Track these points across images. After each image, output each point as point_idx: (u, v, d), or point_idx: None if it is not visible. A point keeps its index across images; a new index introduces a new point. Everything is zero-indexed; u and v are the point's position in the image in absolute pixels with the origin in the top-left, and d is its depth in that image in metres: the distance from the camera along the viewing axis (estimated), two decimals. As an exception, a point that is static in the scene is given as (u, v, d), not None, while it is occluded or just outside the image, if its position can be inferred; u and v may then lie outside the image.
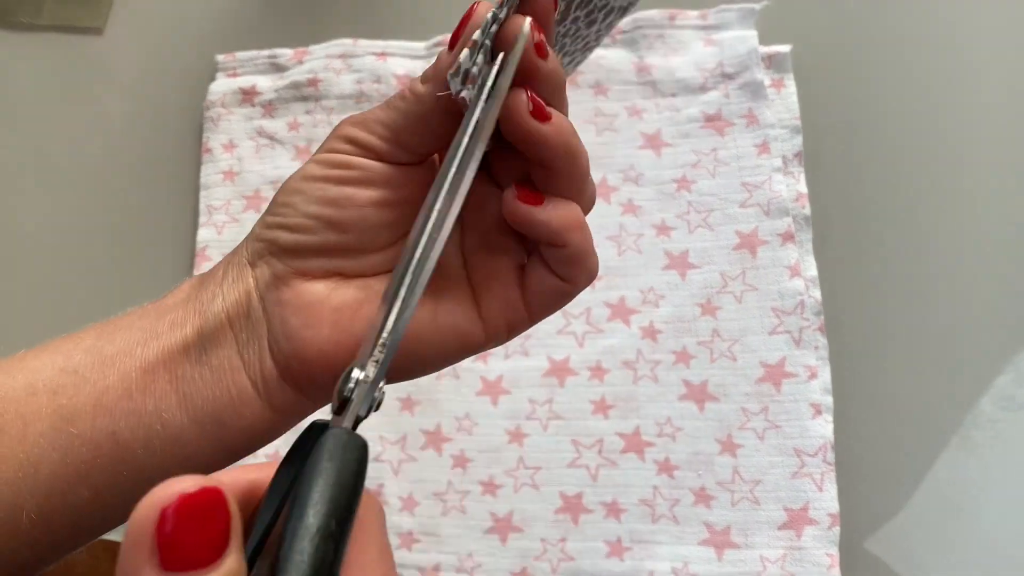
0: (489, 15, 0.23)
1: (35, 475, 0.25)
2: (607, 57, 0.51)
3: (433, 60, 0.25)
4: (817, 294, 0.45)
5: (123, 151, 0.56)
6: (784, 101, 0.49)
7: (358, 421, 0.22)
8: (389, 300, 0.22)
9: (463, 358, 0.27)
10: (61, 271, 0.54)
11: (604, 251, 0.48)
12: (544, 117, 0.24)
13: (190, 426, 0.25)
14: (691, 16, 0.51)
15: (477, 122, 0.23)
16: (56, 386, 0.25)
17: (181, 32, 0.58)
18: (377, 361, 0.22)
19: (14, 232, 0.56)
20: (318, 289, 0.26)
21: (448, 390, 0.47)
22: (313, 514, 0.19)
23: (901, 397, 0.44)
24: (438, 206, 0.23)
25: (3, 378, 0.26)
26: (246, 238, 0.27)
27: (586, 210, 0.26)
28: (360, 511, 0.21)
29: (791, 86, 0.49)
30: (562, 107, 0.25)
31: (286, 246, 0.25)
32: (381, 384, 0.22)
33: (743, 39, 0.49)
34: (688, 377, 0.45)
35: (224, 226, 0.52)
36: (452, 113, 0.24)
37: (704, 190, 0.48)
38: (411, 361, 0.26)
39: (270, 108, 0.54)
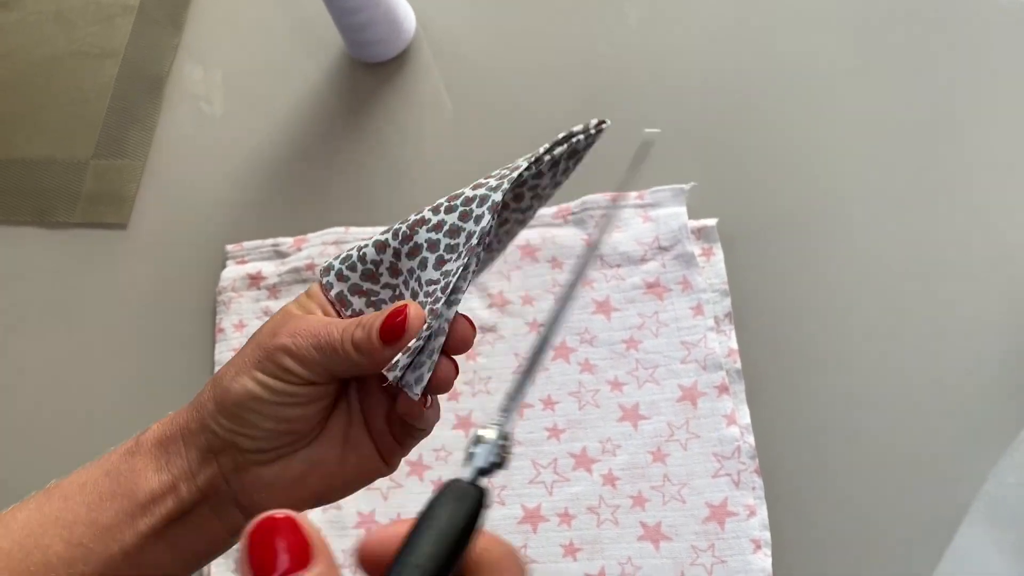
0: (424, 328, 0.32)
1: None
2: (560, 235, 0.59)
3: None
4: (751, 439, 0.52)
5: (145, 332, 0.64)
6: (713, 268, 0.57)
7: (481, 472, 0.26)
8: (520, 377, 0.29)
9: (364, 485, 0.36)
10: (83, 445, 0.61)
11: (567, 406, 0.55)
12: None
13: (178, 565, 0.34)
14: (630, 196, 0.59)
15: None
16: (69, 559, 0.32)
17: (194, 226, 0.67)
18: (498, 424, 0.27)
19: (40, 407, 0.63)
20: (273, 471, 0.33)
21: (435, 540, 0.53)
22: (413, 550, 0.23)
23: (832, 530, 0.50)
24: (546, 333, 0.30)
25: (20, 554, 0.31)
26: (197, 419, 0.33)
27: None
28: (497, 561, 0.24)
29: (719, 254, 0.57)
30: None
31: (247, 448, 0.33)
32: (500, 442, 0.26)
33: (675, 215, 0.58)
34: (644, 519, 0.51)
35: (235, 398, 0.59)
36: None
37: (649, 349, 0.55)
38: (328, 492, 0.35)
39: (274, 290, 0.62)
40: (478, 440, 0.26)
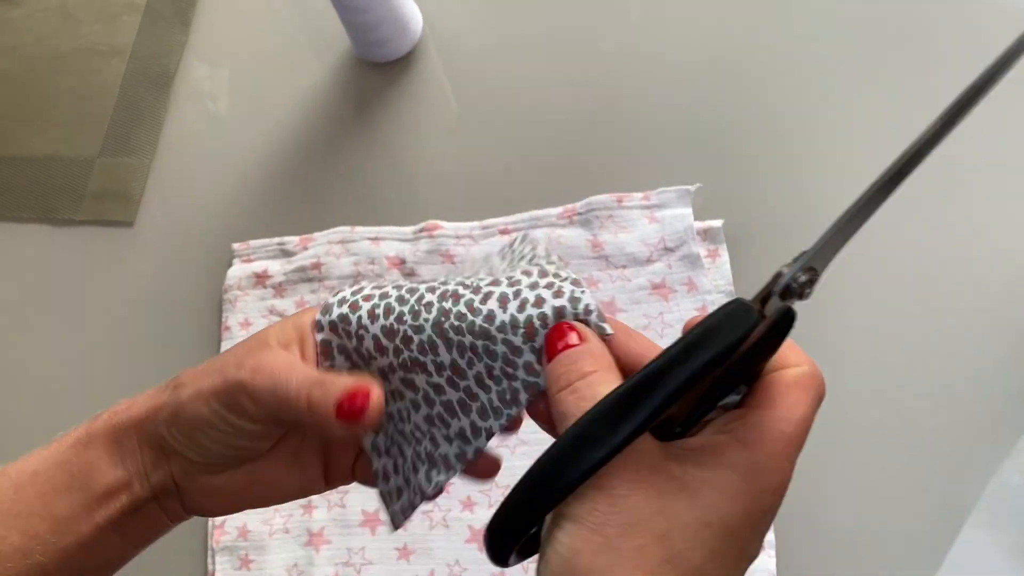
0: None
1: None
2: (566, 236, 0.59)
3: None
4: (756, 440, 0.52)
5: (151, 330, 0.64)
6: (719, 269, 0.57)
7: (766, 299, 0.26)
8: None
9: (302, 497, 0.37)
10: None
11: (572, 406, 0.55)
12: None
13: (130, 549, 0.35)
14: (636, 197, 0.59)
15: None
16: (26, 550, 0.32)
17: (201, 224, 0.67)
18: (801, 257, 0.27)
19: (44, 404, 0.63)
20: (219, 480, 0.34)
21: (439, 539, 0.53)
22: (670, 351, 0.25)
23: (836, 531, 0.50)
24: None
25: None
26: (151, 422, 0.33)
27: None
28: (792, 382, 0.27)
29: (724, 255, 0.57)
30: None
31: (194, 460, 0.33)
32: (798, 272, 0.26)
33: (681, 217, 0.58)
34: (649, 519, 0.51)
35: (241, 396, 0.59)
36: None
37: (655, 350, 0.55)
38: (268, 500, 0.36)
39: (280, 289, 0.62)
40: (778, 275, 0.26)
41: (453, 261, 0.60)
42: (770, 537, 0.50)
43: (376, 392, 0.31)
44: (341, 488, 0.55)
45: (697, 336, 0.26)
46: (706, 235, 0.58)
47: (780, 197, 0.59)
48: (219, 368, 0.32)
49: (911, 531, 0.49)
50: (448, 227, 0.61)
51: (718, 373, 0.26)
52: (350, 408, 0.30)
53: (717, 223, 0.58)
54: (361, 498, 0.55)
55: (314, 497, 0.55)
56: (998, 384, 0.52)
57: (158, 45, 0.75)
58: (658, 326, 0.56)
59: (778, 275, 0.26)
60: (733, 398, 0.29)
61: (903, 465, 0.51)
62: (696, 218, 0.58)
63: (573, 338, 0.29)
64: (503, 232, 0.60)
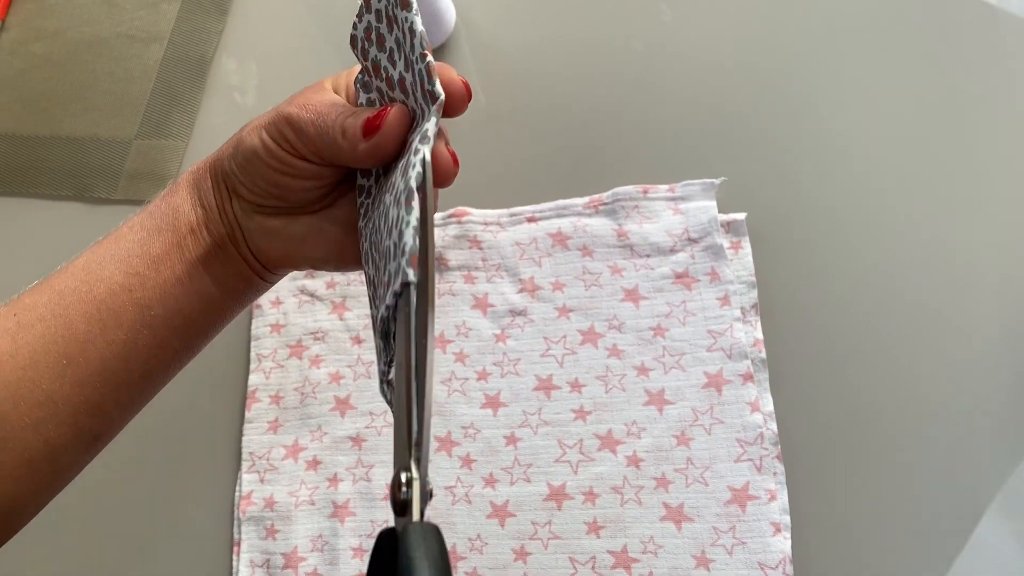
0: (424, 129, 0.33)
1: (135, 348, 0.36)
2: (592, 224, 0.61)
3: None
4: (774, 426, 0.53)
5: (184, 306, 0.65)
6: (741, 260, 0.58)
7: (422, 514, 0.25)
8: (406, 414, 0.26)
9: (357, 269, 0.39)
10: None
11: (593, 389, 0.56)
12: None
13: (220, 295, 0.38)
14: (661, 189, 0.61)
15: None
16: (129, 286, 0.36)
17: (235, 205, 0.68)
18: (417, 459, 0.26)
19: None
20: (276, 223, 0.37)
21: (461, 514, 0.55)
22: None
23: (852, 517, 0.51)
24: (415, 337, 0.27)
25: (85, 288, 0.35)
26: (220, 158, 0.38)
27: None
28: None
29: (747, 247, 0.58)
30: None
31: (244, 196, 0.37)
32: (427, 479, 0.26)
33: (705, 209, 0.59)
34: (667, 500, 0.52)
35: (271, 372, 0.61)
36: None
37: (676, 336, 0.56)
38: (323, 262, 0.39)
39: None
40: (407, 482, 0.25)
41: (480, 247, 0.62)
42: (786, 520, 0.51)
43: (396, 107, 0.34)
44: (366, 462, 0.57)
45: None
46: (729, 227, 0.59)
47: (803, 192, 0.60)
48: (277, 105, 0.36)
49: (929, 519, 0.50)
50: (476, 214, 0.63)
51: None
52: (370, 124, 0.33)
53: (741, 216, 0.59)
54: (386, 472, 0.56)
55: (339, 470, 0.57)
56: (1019, 374, 0.53)
57: (195, 32, 0.76)
58: (680, 314, 0.57)
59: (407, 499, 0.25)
60: None
61: (922, 454, 0.52)
62: (720, 211, 0.59)
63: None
64: (530, 220, 0.62)
